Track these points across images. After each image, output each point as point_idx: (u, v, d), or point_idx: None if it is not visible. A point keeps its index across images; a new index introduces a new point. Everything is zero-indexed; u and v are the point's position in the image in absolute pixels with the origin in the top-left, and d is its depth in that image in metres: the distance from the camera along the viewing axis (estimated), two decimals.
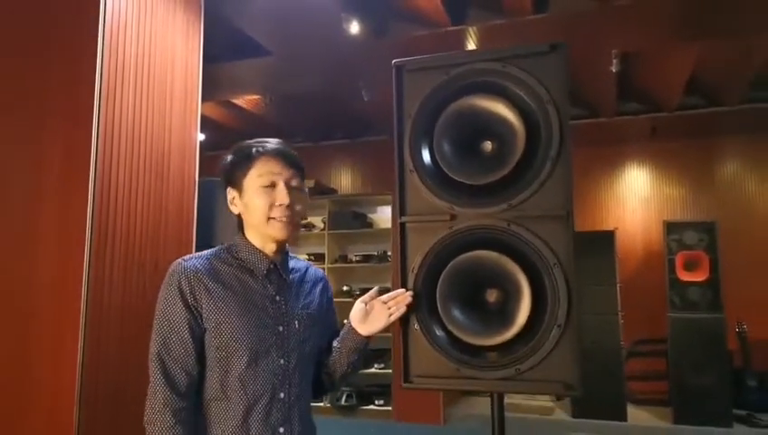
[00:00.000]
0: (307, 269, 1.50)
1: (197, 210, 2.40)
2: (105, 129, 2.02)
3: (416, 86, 1.53)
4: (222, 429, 1.26)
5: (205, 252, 1.38)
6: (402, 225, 1.51)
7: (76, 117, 2.02)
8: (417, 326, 1.46)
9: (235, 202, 1.38)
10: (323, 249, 6.55)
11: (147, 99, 2.23)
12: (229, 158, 1.41)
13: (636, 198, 6.62)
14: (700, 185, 6.41)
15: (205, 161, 2.67)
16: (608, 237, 5.82)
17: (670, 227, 5.59)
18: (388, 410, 6.00)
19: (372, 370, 6.25)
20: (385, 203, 6.57)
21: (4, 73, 2.16)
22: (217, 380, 1.27)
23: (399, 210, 1.51)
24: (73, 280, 1.89)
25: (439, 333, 1.45)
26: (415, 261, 1.48)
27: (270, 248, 1.37)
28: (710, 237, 5.45)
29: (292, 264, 1.45)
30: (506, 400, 5.81)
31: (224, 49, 4.45)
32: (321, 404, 6.25)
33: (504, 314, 1.42)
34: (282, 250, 1.40)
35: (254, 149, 1.38)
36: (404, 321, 1.46)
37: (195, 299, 1.27)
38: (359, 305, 1.45)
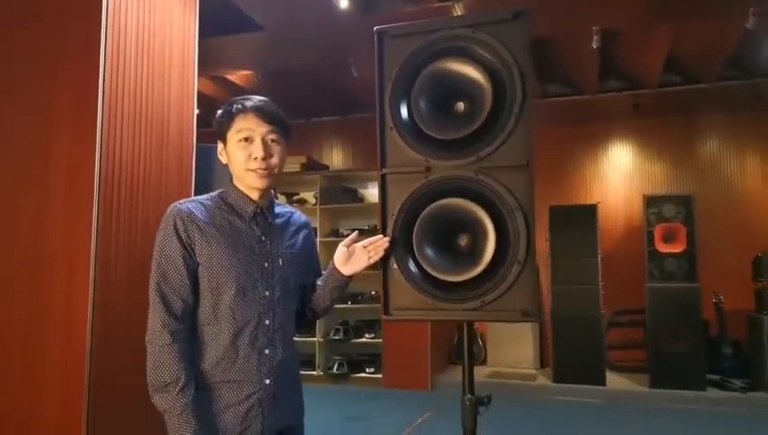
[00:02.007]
0: (292, 214, 1.67)
1: (197, 173, 2.57)
2: (110, 95, 2.18)
3: (396, 51, 1.69)
4: (215, 348, 1.44)
5: (198, 197, 1.55)
6: (383, 176, 1.68)
7: (83, 84, 2.17)
8: (395, 266, 1.64)
9: (223, 153, 1.56)
10: (315, 224, 6.72)
11: (147, 67, 2.38)
12: (218, 113, 1.56)
13: (618, 174, 6.82)
14: (681, 160, 6.61)
15: (198, 137, 2.81)
16: (590, 211, 6.02)
17: (650, 201, 5.80)
18: (378, 378, 6.24)
19: (363, 339, 6.48)
20: (375, 179, 6.73)
21: (16, 46, 2.30)
22: (210, 307, 1.45)
23: (380, 163, 1.68)
24: (83, 231, 2.05)
25: (414, 271, 1.63)
26: (394, 208, 1.65)
27: (255, 195, 1.54)
28: (687, 210, 5.67)
29: (278, 209, 1.62)
30: (491, 368, 6.03)
31: (216, 24, 4.57)
32: (314, 372, 6.48)
33: (472, 254, 1.60)
34: (266, 196, 1.57)
35: (234, 106, 1.53)
36: (384, 261, 1.64)
37: (188, 237, 1.45)
38: (341, 249, 1.63)
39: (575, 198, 6.72)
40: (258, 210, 1.54)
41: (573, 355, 5.82)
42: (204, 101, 6.37)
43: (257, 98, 1.56)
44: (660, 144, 6.65)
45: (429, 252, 1.62)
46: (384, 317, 1.67)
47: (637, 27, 4.52)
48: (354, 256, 1.63)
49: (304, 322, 1.71)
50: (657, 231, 5.68)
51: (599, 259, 5.87)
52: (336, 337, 6.47)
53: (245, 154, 1.50)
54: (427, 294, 1.61)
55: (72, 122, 2.16)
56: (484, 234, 1.58)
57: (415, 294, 1.62)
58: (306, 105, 7.02)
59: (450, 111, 1.67)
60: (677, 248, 5.62)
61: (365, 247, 1.62)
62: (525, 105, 1.57)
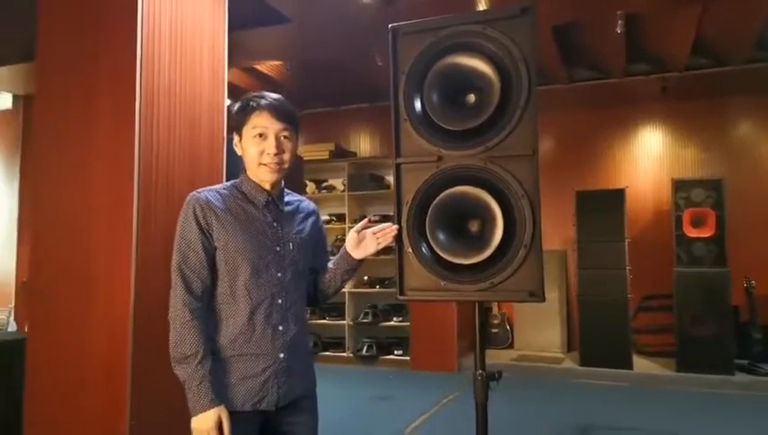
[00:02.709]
0: (301, 202, 1.79)
1: (228, 162, 2.72)
2: (146, 91, 2.34)
3: (409, 47, 1.79)
4: (233, 325, 1.57)
5: (215, 186, 1.67)
6: (398, 165, 1.80)
7: (122, 81, 2.33)
8: (409, 249, 1.75)
9: (238, 145, 1.67)
10: (344, 210, 6.88)
11: (180, 63, 2.53)
12: (235, 107, 1.68)
13: (647, 157, 6.75)
14: (710, 144, 6.51)
15: (230, 129, 2.97)
16: (618, 196, 6.02)
17: (678, 185, 5.76)
18: (406, 360, 6.38)
19: (391, 323, 6.63)
20: None
21: (60, 46, 2.48)
22: (227, 287, 1.58)
23: (395, 153, 1.80)
24: (125, 218, 2.24)
25: (427, 254, 1.74)
26: (408, 195, 1.76)
27: (267, 185, 1.66)
28: (717, 195, 5.61)
29: (288, 198, 1.74)
30: (518, 352, 6.12)
31: (246, 17, 4.71)
32: (344, 354, 6.66)
33: (481, 239, 1.70)
34: (278, 186, 1.69)
35: (251, 103, 1.64)
36: (399, 245, 1.76)
37: (206, 223, 1.57)
38: (352, 234, 1.75)
39: (603, 183, 6.68)
40: (270, 199, 1.66)
41: (600, 339, 5.85)
42: (237, 92, 6.57)
43: (272, 96, 1.67)
44: (690, 127, 6.56)
45: (441, 237, 1.73)
46: (399, 297, 1.79)
47: (661, 10, 4.48)
48: (364, 241, 1.75)
49: (313, 303, 1.83)
50: (686, 216, 5.64)
51: (626, 244, 5.87)
52: (365, 320, 6.63)
53: (259, 149, 1.61)
54: (439, 275, 1.72)
55: (112, 117, 2.33)
56: (493, 220, 1.67)
57: (428, 276, 1.74)
58: (334, 93, 7.13)
59: (461, 104, 1.76)
60: (706, 233, 5.57)
61: (374, 234, 1.74)
62: (531, 98, 1.65)
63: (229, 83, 6.40)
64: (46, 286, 2.40)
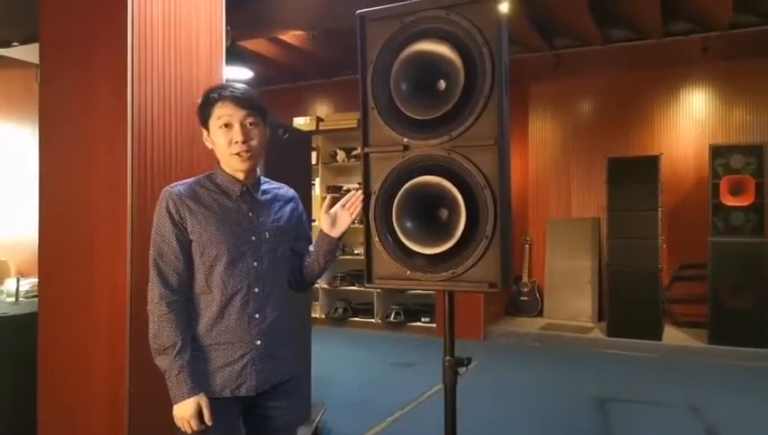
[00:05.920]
0: (279, 190, 1.81)
1: None
2: (139, 78, 2.38)
3: (376, 34, 1.77)
4: (209, 315, 1.62)
5: (188, 179, 1.70)
6: (366, 154, 1.80)
7: (115, 69, 2.38)
8: (376, 238, 1.77)
9: (207, 140, 1.69)
10: None
11: (175, 49, 2.56)
12: (199, 101, 1.69)
13: (687, 122, 6.43)
14: (757, 106, 6.13)
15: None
16: (651, 163, 5.81)
17: (716, 151, 5.50)
18: (433, 327, 6.46)
19: (419, 290, 6.69)
20: None
21: (63, 31, 2.58)
22: (203, 278, 1.62)
23: (363, 142, 1.79)
24: (122, 192, 2.34)
25: (394, 244, 1.74)
26: (376, 185, 1.77)
27: (240, 175, 1.67)
28: (758, 161, 5.34)
29: (265, 186, 1.76)
30: (547, 320, 6.12)
31: None
32: (373, 320, 6.80)
33: (446, 228, 1.69)
34: (252, 175, 1.70)
35: (212, 95, 1.65)
36: (367, 235, 1.78)
37: (180, 217, 1.61)
38: (324, 216, 1.77)
39: (640, 149, 6.43)
40: (244, 189, 1.68)
41: (629, 309, 5.75)
42: (261, 61, 6.60)
43: (235, 85, 1.68)
44: (733, 90, 6.17)
45: (409, 226, 1.73)
46: (367, 285, 1.82)
47: None
48: (338, 217, 1.77)
49: (300, 287, 1.87)
50: (724, 183, 5.41)
51: (659, 213, 5.68)
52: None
53: (227, 139, 1.62)
54: (405, 265, 1.74)
55: (108, 105, 2.40)
56: (457, 210, 1.66)
57: (394, 265, 1.75)
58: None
59: (429, 91, 1.72)
60: (745, 201, 5.34)
61: (344, 207, 1.77)
62: (495, 86, 1.61)
63: (256, 53, 6.43)
64: (53, 262, 2.54)
